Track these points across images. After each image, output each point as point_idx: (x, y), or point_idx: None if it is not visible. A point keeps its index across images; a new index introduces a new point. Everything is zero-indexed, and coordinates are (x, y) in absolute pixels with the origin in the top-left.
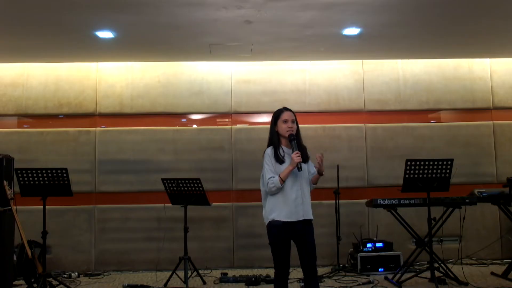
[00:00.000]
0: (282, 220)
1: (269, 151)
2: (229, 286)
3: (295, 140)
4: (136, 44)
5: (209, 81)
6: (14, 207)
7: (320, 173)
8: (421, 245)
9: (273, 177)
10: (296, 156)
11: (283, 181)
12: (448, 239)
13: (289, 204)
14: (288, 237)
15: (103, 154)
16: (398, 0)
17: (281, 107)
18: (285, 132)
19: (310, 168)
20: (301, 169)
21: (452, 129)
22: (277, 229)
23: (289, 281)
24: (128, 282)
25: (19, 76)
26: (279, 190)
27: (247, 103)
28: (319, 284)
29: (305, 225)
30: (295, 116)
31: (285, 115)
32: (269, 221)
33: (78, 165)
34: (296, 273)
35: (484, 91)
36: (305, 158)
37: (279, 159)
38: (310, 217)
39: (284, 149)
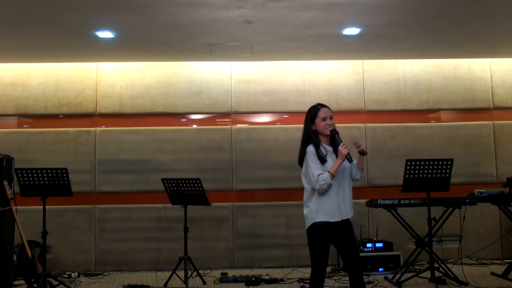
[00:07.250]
0: (326, 220)
1: (312, 149)
2: (229, 286)
3: (338, 133)
4: (136, 44)
5: (209, 81)
6: (14, 207)
7: (363, 152)
8: (421, 245)
9: (322, 174)
10: (343, 148)
11: (333, 176)
12: (448, 239)
13: (333, 203)
14: (330, 238)
15: (103, 154)
16: (398, 0)
17: (316, 104)
18: (325, 129)
19: (351, 167)
20: (351, 160)
21: (452, 129)
22: (321, 229)
23: (289, 281)
24: (128, 282)
25: (19, 76)
26: (329, 186)
27: (247, 103)
28: None
29: (345, 224)
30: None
31: (323, 113)
32: (314, 222)
33: (78, 165)
34: (296, 273)
35: (484, 91)
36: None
37: (322, 158)
38: (350, 215)
39: (326, 147)
